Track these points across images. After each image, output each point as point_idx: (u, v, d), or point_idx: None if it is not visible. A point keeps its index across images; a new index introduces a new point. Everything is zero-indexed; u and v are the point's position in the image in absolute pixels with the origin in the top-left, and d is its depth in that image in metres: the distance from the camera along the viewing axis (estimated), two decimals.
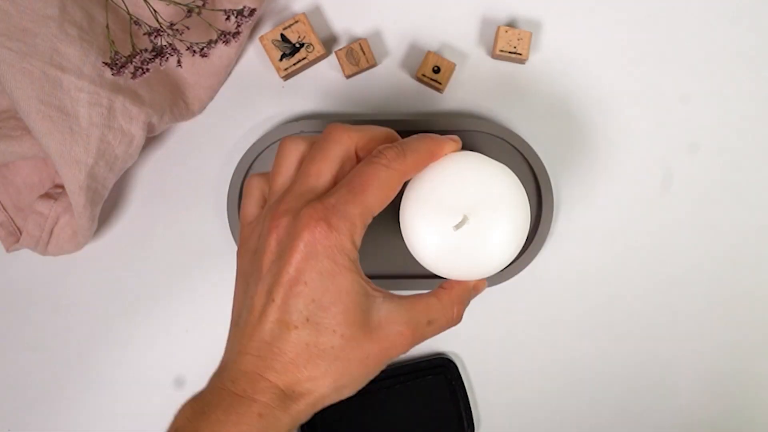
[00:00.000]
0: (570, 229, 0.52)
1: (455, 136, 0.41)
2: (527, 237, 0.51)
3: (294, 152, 0.39)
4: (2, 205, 0.51)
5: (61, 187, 0.51)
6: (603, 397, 0.52)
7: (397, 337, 0.37)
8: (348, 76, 0.52)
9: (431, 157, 0.40)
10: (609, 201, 0.53)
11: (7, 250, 0.51)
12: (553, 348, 0.52)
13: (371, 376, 0.38)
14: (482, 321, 0.52)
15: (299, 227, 0.35)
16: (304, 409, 0.36)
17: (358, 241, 0.37)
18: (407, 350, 0.38)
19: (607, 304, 0.52)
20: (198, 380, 0.53)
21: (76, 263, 0.53)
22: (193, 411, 0.36)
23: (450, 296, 0.40)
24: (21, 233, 0.51)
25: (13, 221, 0.51)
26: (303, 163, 0.38)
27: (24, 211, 0.51)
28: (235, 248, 0.51)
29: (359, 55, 0.51)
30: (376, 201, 0.37)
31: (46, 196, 0.50)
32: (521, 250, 0.51)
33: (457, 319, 0.40)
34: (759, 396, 0.52)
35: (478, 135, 0.51)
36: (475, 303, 0.52)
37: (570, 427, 0.52)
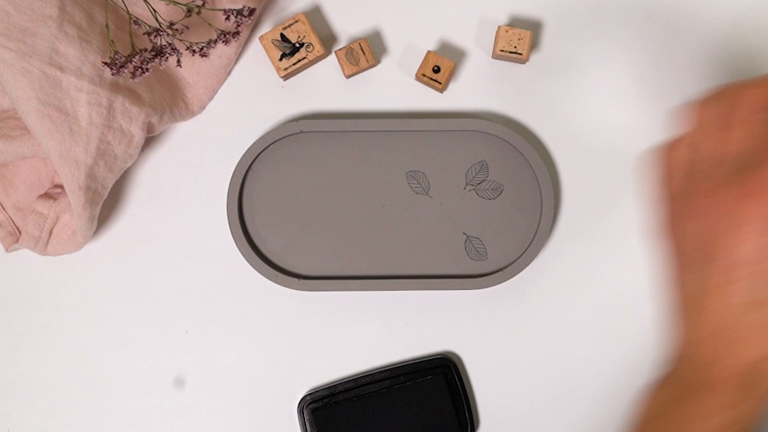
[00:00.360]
0: (570, 228, 0.52)
1: None
2: (527, 237, 0.51)
3: (711, 115, 0.36)
4: (2, 205, 0.51)
5: (61, 187, 0.51)
6: (603, 398, 0.52)
7: None
8: (348, 76, 0.52)
9: None
10: (609, 200, 0.52)
11: (7, 250, 0.51)
12: (553, 348, 0.52)
13: None
14: (482, 321, 0.52)
15: (747, 199, 0.33)
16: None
17: None
18: None
19: (607, 304, 0.52)
20: (198, 380, 0.53)
21: (76, 263, 0.53)
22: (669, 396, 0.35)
23: None
24: (20, 233, 0.51)
25: (13, 221, 0.51)
26: (722, 127, 0.35)
27: (23, 211, 0.51)
28: (235, 248, 0.51)
29: (359, 55, 0.51)
30: None
31: (46, 196, 0.50)
32: (521, 250, 0.51)
33: None
34: None
35: (478, 135, 0.51)
36: (475, 303, 0.52)
37: (570, 427, 0.52)
